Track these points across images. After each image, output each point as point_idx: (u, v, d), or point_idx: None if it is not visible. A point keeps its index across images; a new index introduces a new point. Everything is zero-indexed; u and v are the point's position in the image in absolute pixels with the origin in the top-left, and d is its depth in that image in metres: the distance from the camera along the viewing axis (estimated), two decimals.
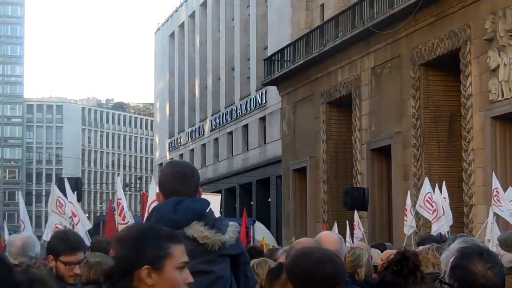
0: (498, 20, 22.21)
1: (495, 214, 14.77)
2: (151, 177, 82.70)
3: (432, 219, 15.94)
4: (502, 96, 22.03)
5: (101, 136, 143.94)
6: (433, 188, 16.41)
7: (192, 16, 64.93)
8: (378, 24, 27.92)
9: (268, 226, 39.53)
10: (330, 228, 21.44)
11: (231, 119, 53.97)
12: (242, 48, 53.25)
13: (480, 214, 21.82)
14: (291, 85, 36.95)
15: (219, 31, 58.23)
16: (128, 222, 13.94)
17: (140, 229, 3.19)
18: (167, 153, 70.25)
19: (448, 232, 15.45)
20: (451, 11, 24.54)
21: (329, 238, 5.51)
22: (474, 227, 22.03)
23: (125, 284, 3.08)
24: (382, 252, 9.34)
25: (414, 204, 17.57)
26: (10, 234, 15.56)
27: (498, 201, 15.19)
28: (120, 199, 14.26)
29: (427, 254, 5.41)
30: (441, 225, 15.47)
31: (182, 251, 3.14)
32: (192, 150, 63.71)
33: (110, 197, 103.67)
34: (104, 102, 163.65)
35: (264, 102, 47.91)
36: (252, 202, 48.26)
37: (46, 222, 16.53)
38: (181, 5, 68.51)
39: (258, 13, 50.40)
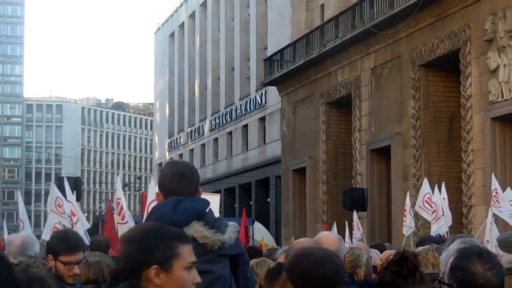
0: (498, 21, 22.21)
1: (494, 215, 14.77)
2: (150, 177, 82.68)
3: (432, 220, 15.94)
4: (502, 97, 22.03)
5: (101, 135, 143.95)
6: (433, 189, 16.42)
7: (192, 16, 64.94)
8: (378, 25, 27.92)
9: (267, 226, 39.53)
10: (329, 229, 21.43)
11: (231, 119, 53.98)
12: (242, 48, 53.25)
13: (479, 215, 21.83)
14: (291, 85, 36.95)
15: (219, 31, 58.24)
16: (127, 221, 13.95)
17: (148, 229, 3.18)
18: (167, 153, 70.25)
19: (447, 232, 15.46)
20: (451, 11, 24.54)
21: (328, 238, 5.51)
22: (473, 227, 22.03)
23: (132, 284, 3.08)
24: (381, 252, 9.34)
25: (413, 205, 17.57)
26: (9, 233, 15.57)
27: (498, 202, 15.20)
28: (119, 198, 14.25)
29: (426, 254, 5.41)
30: (441, 225, 15.48)
31: (190, 251, 3.15)
32: (192, 150, 63.72)
33: (110, 197, 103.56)
34: (104, 102, 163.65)
35: (264, 102, 47.91)
36: (251, 202, 48.26)
37: (45, 221, 16.54)
38: (181, 5, 68.51)
39: (258, 13, 50.40)
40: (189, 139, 64.20)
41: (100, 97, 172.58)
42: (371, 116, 29.37)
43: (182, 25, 67.95)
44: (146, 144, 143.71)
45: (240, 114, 52.19)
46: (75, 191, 15.84)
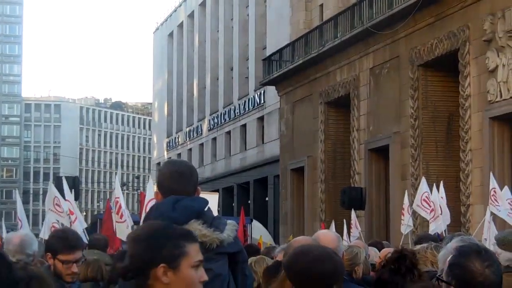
0: (497, 21, 22.23)
1: (492, 213, 14.80)
2: (148, 176, 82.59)
3: (430, 219, 15.97)
4: (501, 96, 22.05)
5: (99, 135, 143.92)
6: (431, 188, 16.45)
7: (191, 16, 64.94)
8: (377, 25, 27.93)
9: (265, 225, 39.56)
10: (327, 227, 21.46)
11: (229, 118, 54.00)
12: (241, 48, 53.27)
13: (477, 214, 21.84)
14: (289, 85, 36.96)
15: (218, 31, 58.25)
16: (126, 220, 13.98)
17: (156, 227, 3.19)
18: (165, 153, 70.27)
19: (445, 231, 15.50)
20: (450, 11, 24.55)
21: (326, 236, 5.51)
22: (471, 226, 22.05)
23: (140, 282, 3.09)
24: (379, 250, 9.35)
25: (411, 204, 17.60)
26: (7, 232, 15.57)
27: (496, 200, 15.22)
28: (118, 197, 14.28)
29: (425, 252, 5.42)
30: (439, 224, 15.51)
31: (197, 250, 3.16)
32: (190, 149, 63.74)
33: (108, 196, 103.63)
34: (102, 102, 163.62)
35: (262, 102, 47.93)
36: (249, 202, 48.29)
37: (43, 220, 16.53)
38: (180, 5, 68.52)
39: (257, 13, 50.42)
40: (187, 138, 64.22)
41: (99, 97, 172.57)
42: (370, 115, 29.39)
43: (181, 25, 67.96)
44: (144, 143, 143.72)
45: (238, 113, 52.21)
46: (73, 190, 15.85)
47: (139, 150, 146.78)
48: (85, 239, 11.83)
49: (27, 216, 16.72)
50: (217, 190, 45.32)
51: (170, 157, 65.73)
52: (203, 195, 4.76)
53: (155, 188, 4.67)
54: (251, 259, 6.30)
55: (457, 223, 22.22)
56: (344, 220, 20.98)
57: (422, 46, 25.81)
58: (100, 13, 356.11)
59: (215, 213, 4.84)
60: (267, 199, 46.69)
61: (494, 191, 15.36)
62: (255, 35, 50.59)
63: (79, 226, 13.67)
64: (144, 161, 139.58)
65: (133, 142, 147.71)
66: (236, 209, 47.04)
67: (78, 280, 5.86)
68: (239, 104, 52.15)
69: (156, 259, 3.06)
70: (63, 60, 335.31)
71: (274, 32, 45.86)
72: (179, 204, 4.33)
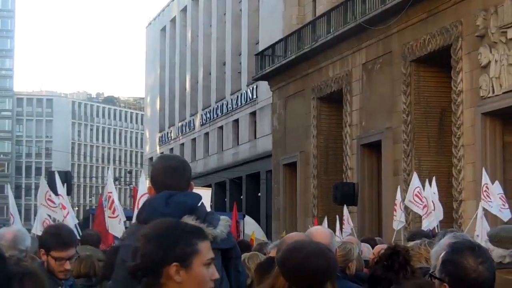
0: (490, 17, 22.25)
1: (484, 209, 14.82)
2: (141, 171, 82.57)
3: (423, 215, 15.98)
4: (493, 92, 22.09)
5: (91, 130, 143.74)
6: (423, 184, 16.47)
7: (184, 10, 64.85)
8: (370, 20, 27.94)
9: (257, 220, 39.57)
10: (320, 223, 21.47)
11: (222, 113, 53.97)
12: (233, 43, 53.22)
13: (470, 210, 21.88)
14: (282, 80, 36.95)
15: (210, 25, 58.18)
16: (118, 215, 13.96)
17: (168, 225, 3.18)
18: (157, 147, 70.20)
19: (437, 226, 15.52)
20: (443, 7, 24.57)
21: (319, 232, 5.51)
22: (463, 222, 22.10)
23: (151, 281, 3.09)
24: (372, 246, 9.35)
25: (403, 199, 17.62)
26: (0, 227, 15.54)
27: (488, 196, 15.25)
28: (110, 192, 14.26)
29: (419, 249, 5.42)
30: (432, 220, 15.53)
31: (209, 247, 3.16)
32: (183, 144, 63.69)
33: (100, 191, 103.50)
34: (95, 96, 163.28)
35: (255, 97, 47.90)
36: (242, 197, 48.29)
37: (35, 215, 16.50)
38: (173, 0, 68.40)
39: (250, 8, 50.36)
40: (180, 133, 64.17)
41: (91, 91, 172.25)
42: (362, 111, 29.41)
43: (173, 20, 67.86)
44: (136, 138, 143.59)
45: (231, 108, 52.19)
46: (65, 185, 15.83)
47: (131, 145, 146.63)
48: (77, 234, 11.81)
49: (19, 211, 16.66)
50: (209, 185, 45.37)
51: (162, 152, 65.73)
52: (196, 190, 4.75)
53: (147, 183, 4.66)
54: (244, 255, 6.30)
55: (449, 219, 22.25)
56: (337, 216, 21.00)
57: (414, 42, 25.83)
58: (92, 8, 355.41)
59: (208, 209, 4.82)
60: (259, 194, 46.69)
61: (487, 187, 15.40)
62: (248, 30, 50.55)
63: (71, 221, 13.64)
64: (136, 156, 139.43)
65: (125, 136, 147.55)
66: (229, 204, 47.05)
67: (71, 276, 5.84)
68: (231, 99, 52.12)
69: (168, 258, 3.06)
70: (55, 54, 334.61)
71: (266, 27, 45.83)
72: (172, 200, 4.32)
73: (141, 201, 12.22)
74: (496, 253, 4.84)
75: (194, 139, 60.99)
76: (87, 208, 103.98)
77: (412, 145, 25.93)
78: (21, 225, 14.61)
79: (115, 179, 76.22)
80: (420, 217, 16.96)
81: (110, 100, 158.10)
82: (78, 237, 10.78)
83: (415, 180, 16.99)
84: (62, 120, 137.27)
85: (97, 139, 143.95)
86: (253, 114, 48.73)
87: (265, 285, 4.05)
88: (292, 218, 35.47)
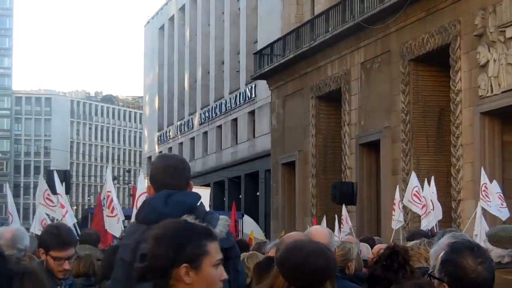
0: (488, 16, 22.25)
1: (482, 209, 14.82)
2: (139, 170, 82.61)
3: (422, 214, 15.97)
4: (491, 91, 22.08)
5: (90, 128, 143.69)
6: (422, 183, 16.46)
7: (182, 9, 64.82)
8: (369, 19, 27.93)
9: (256, 220, 39.56)
10: (319, 223, 21.46)
11: (220, 112, 53.96)
12: (232, 41, 53.20)
13: (468, 209, 21.88)
14: (280, 79, 36.93)
15: (209, 24, 58.16)
16: (117, 215, 13.94)
17: (176, 226, 3.17)
18: (156, 146, 70.17)
19: (436, 225, 15.51)
20: (442, 6, 24.57)
21: (318, 232, 5.51)
22: (462, 222, 22.09)
23: (160, 282, 3.08)
24: (371, 246, 9.35)
25: (402, 199, 17.61)
26: None
27: (487, 196, 15.25)
28: (109, 191, 14.24)
29: (419, 249, 5.43)
30: (431, 220, 15.52)
31: (217, 248, 3.16)
32: (181, 143, 63.68)
33: (99, 190, 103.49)
34: (93, 95, 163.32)
35: (253, 96, 47.90)
36: (240, 196, 48.28)
37: (34, 214, 16.48)
38: None
39: (248, 7, 50.36)
40: (178, 132, 64.15)
41: (89, 90, 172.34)
42: (361, 110, 29.40)
43: (172, 18, 67.82)
44: (135, 137, 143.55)
45: (229, 107, 52.18)
46: (64, 184, 15.81)
47: (130, 144, 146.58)
48: (76, 233, 11.80)
49: (18, 210, 16.64)
50: (208, 184, 45.36)
51: (161, 151, 65.74)
52: (195, 189, 4.75)
53: (146, 182, 4.67)
54: (243, 255, 6.30)
55: (448, 219, 22.25)
56: (336, 216, 20.98)
57: (413, 41, 25.82)
58: (91, 6, 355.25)
59: (207, 208, 4.82)
60: (258, 193, 46.69)
61: (485, 187, 15.40)
62: (246, 29, 50.54)
63: (70, 220, 13.63)
64: (135, 155, 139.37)
65: (124, 135, 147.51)
66: (228, 204, 47.08)
67: (71, 275, 5.83)
68: (230, 98, 52.11)
69: (178, 259, 3.06)
70: (54, 53, 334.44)
71: (265, 26, 45.82)
72: (171, 199, 4.32)
73: (139, 200, 12.22)
74: (495, 253, 4.84)
75: (192, 138, 60.97)
76: (86, 207, 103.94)
77: (411, 144, 25.92)
78: (20, 224, 14.60)
79: (114, 178, 76.23)
80: (419, 216, 16.96)
81: (109, 99, 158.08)
82: (77, 237, 10.78)
83: (413, 180, 16.98)
84: (61, 119, 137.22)
85: (96, 138, 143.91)
86: (252, 113, 48.72)
87: (265, 284, 4.05)
88: (291, 218, 35.45)
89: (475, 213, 14.94)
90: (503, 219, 15.99)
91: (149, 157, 70.20)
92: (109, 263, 5.45)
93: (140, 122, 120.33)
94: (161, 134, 69.36)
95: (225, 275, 3.18)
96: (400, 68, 26.41)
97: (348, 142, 30.22)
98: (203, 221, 4.31)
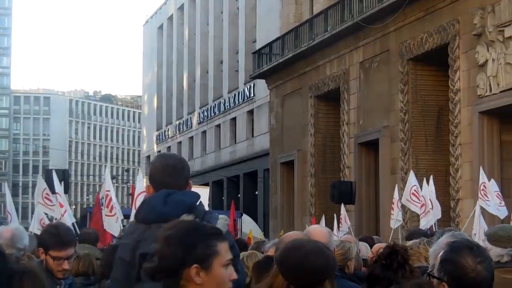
0: (487, 15, 22.25)
1: (481, 208, 14.83)
2: (138, 169, 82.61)
3: (421, 214, 15.97)
4: (490, 91, 22.09)
5: (89, 128, 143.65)
6: (420, 183, 16.46)
7: (181, 8, 64.81)
8: (367, 18, 27.93)
9: (255, 219, 39.55)
10: (318, 222, 21.46)
11: (219, 112, 53.95)
12: (230, 41, 53.20)
13: (467, 209, 21.87)
14: (279, 78, 36.94)
15: (207, 24, 58.15)
16: (115, 214, 13.93)
17: (186, 227, 3.18)
18: (155, 146, 70.16)
19: (434, 224, 15.51)
20: (440, 6, 24.57)
21: (317, 231, 5.51)
22: (461, 221, 22.10)
23: (169, 283, 3.09)
24: (370, 245, 9.34)
25: (401, 198, 17.60)
26: None
27: (486, 195, 15.26)
28: (108, 190, 14.22)
29: (418, 248, 5.43)
30: (430, 219, 15.52)
31: (227, 248, 3.17)
32: (180, 142, 63.66)
33: (97, 189, 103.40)
34: (92, 94, 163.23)
35: (252, 95, 47.90)
36: (239, 195, 48.27)
37: (32, 213, 16.47)
38: None
39: (247, 6, 50.35)
40: (177, 131, 64.14)
41: (88, 90, 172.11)
42: (360, 109, 29.40)
43: (170, 18, 67.81)
44: (134, 136, 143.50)
45: (228, 107, 52.18)
46: (62, 183, 15.79)
47: (128, 143, 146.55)
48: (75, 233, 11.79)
49: (16, 209, 16.60)
50: (207, 184, 45.37)
51: (159, 150, 65.68)
52: (194, 189, 4.75)
53: (144, 181, 4.67)
54: (242, 254, 6.30)
55: (447, 218, 22.25)
56: (335, 215, 20.99)
57: (412, 40, 25.83)
58: (90, 6, 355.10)
59: (206, 207, 4.83)
60: (256, 192, 46.69)
61: (484, 186, 15.41)
62: (245, 28, 50.53)
63: (69, 219, 13.61)
64: (133, 154, 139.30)
65: (123, 135, 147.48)
66: (226, 203, 47.08)
67: (70, 275, 5.83)
68: (229, 98, 52.11)
69: (189, 260, 3.06)
70: (52, 52, 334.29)
71: (264, 25, 45.82)
72: (171, 198, 4.32)
73: (138, 199, 12.21)
74: (494, 252, 4.85)
75: (191, 138, 60.97)
76: (85, 206, 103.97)
77: (410, 143, 25.93)
78: (19, 223, 14.59)
79: (113, 177, 76.20)
80: (418, 215, 16.96)
81: (108, 98, 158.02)
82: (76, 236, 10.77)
83: (411, 179, 16.97)
84: (60, 118, 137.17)
85: (95, 137, 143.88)
86: (251, 112, 48.72)
87: (264, 284, 4.05)
88: (290, 217, 35.45)
89: (474, 212, 14.96)
90: (502, 217, 16.00)
91: (148, 156, 70.18)
92: (108, 262, 5.45)
93: (139, 122, 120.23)
94: (159, 133, 69.35)
95: (234, 275, 3.18)
96: (399, 68, 26.41)
97: (347, 141, 30.23)
98: (202, 221, 4.32)
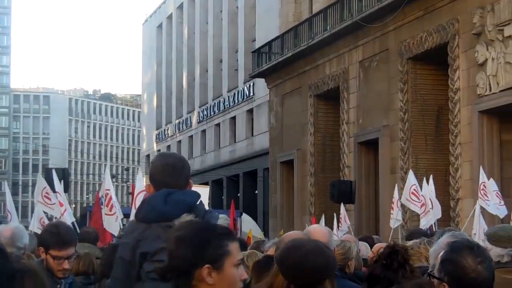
0: (487, 15, 22.25)
1: (481, 207, 14.81)
2: (138, 168, 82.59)
3: (421, 213, 15.95)
4: (490, 90, 22.09)
5: (88, 127, 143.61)
6: (420, 182, 16.45)
7: (180, 7, 64.79)
8: (367, 18, 27.93)
9: (254, 218, 39.55)
10: (318, 221, 21.45)
11: (219, 111, 53.95)
12: (230, 40, 53.19)
13: (467, 208, 21.88)
14: (279, 77, 36.93)
15: (207, 23, 58.13)
16: (115, 213, 13.91)
17: (199, 227, 3.19)
18: (154, 145, 70.15)
19: (434, 224, 15.49)
20: (440, 5, 24.57)
21: (317, 231, 5.51)
22: (461, 220, 22.10)
23: (180, 283, 3.09)
24: (370, 245, 9.34)
25: (401, 197, 17.59)
26: None
27: (485, 195, 15.24)
28: (108, 189, 14.20)
29: (419, 248, 5.43)
30: (430, 218, 15.51)
31: (238, 248, 3.17)
32: (180, 141, 63.66)
33: (97, 188, 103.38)
34: (91, 93, 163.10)
35: (251, 94, 47.89)
36: (239, 194, 48.27)
37: (32, 212, 16.46)
38: None
39: (247, 5, 50.34)
40: (177, 130, 64.13)
41: (88, 88, 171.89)
42: (359, 108, 29.40)
43: (170, 17, 67.80)
44: (133, 135, 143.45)
45: (228, 106, 52.17)
46: (62, 182, 15.78)
47: (128, 142, 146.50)
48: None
49: (16, 208, 16.60)
50: (206, 183, 45.33)
51: (159, 149, 65.69)
52: (194, 188, 4.75)
53: (144, 180, 4.67)
54: (243, 253, 6.28)
55: (446, 217, 22.24)
56: (334, 214, 20.98)
57: (411, 39, 25.82)
58: (89, 4, 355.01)
59: (206, 207, 4.82)
60: (256, 192, 46.69)
61: (484, 185, 15.40)
62: (245, 27, 50.52)
63: (68, 218, 13.61)
64: (133, 153, 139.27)
65: (122, 134, 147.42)
66: (226, 202, 47.08)
67: (71, 274, 5.82)
68: (228, 97, 52.10)
69: (200, 260, 3.06)
70: (52, 51, 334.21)
71: (263, 24, 45.81)
72: (171, 198, 4.32)
73: (138, 198, 12.20)
74: (494, 252, 4.84)
75: (191, 137, 60.96)
76: (84, 205, 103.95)
77: (409, 143, 25.93)
78: (19, 222, 14.58)
79: (112, 176, 76.18)
80: (418, 215, 16.94)
81: (107, 97, 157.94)
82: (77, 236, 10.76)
83: (411, 178, 16.95)
84: (59, 117, 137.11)
85: (94, 136, 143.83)
86: (250, 111, 48.71)
87: (264, 283, 4.05)
88: (289, 216, 35.45)
89: (473, 211, 14.95)
90: (501, 216, 16.00)
91: (147, 155, 70.19)
92: (109, 262, 5.45)
93: (139, 120, 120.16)
94: (159, 132, 69.34)
95: (245, 275, 3.20)
96: (399, 67, 26.41)
97: (346, 140, 30.23)
98: (202, 220, 4.32)
